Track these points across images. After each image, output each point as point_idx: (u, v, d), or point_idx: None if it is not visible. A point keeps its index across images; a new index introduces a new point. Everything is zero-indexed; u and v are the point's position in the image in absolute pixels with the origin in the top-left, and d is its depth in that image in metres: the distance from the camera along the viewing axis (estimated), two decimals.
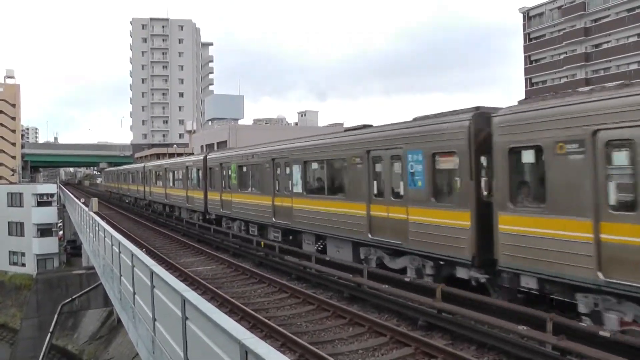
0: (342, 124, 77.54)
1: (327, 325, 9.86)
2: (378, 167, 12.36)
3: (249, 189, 19.74)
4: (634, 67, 53.31)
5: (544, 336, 7.28)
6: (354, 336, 9.14)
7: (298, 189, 15.66)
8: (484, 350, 7.98)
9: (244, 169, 20.33)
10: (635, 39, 54.23)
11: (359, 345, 8.64)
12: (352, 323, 9.78)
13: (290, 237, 16.70)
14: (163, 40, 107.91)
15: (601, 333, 6.98)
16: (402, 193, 11.42)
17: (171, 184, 31.36)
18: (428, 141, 10.60)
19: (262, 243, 17.20)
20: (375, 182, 12.44)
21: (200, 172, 25.09)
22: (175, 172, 30.37)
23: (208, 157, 24.48)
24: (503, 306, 8.76)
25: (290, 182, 16.13)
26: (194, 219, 26.26)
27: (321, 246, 14.94)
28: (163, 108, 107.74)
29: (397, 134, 11.56)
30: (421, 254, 10.85)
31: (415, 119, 11.60)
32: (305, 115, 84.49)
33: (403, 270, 11.60)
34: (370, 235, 12.27)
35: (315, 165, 15.59)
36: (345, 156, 13.30)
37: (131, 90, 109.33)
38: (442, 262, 10.50)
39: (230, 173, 21.32)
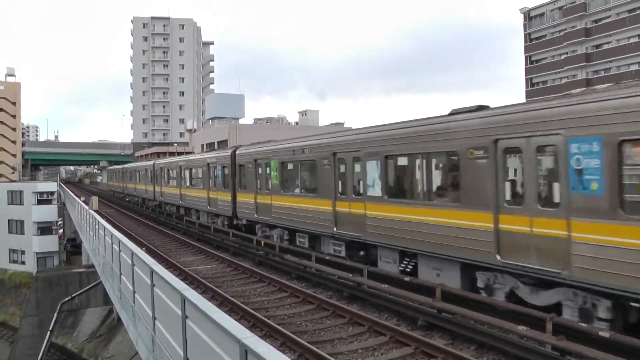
0: (342, 124, 77.61)
1: (327, 325, 9.87)
2: (512, 163, 9.30)
3: (297, 191, 16.63)
4: (635, 67, 53.32)
5: (543, 336, 7.28)
6: (353, 336, 9.14)
7: (375, 191, 12.46)
8: (484, 350, 7.98)
9: (289, 166, 17.09)
10: (635, 39, 54.21)
11: (358, 345, 8.64)
12: (352, 322, 9.78)
13: (361, 253, 13.61)
14: (164, 39, 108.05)
15: (601, 333, 6.98)
16: (557, 199, 8.25)
17: (187, 184, 28.17)
18: (611, 122, 7.33)
19: (262, 242, 17.18)
20: (507, 184, 9.30)
21: (227, 170, 21.88)
22: (193, 170, 27.18)
23: (237, 152, 21.16)
24: (503, 306, 8.77)
25: (362, 182, 13.05)
26: (217, 224, 23.41)
27: (409, 266, 11.69)
28: (163, 107, 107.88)
29: (550, 114, 8.31)
30: (593, 289, 7.69)
31: (567, 95, 8.51)
32: (305, 114, 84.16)
33: (554, 308, 8.37)
34: (499, 257, 8.99)
35: (403, 161, 12.23)
36: (455, 148, 10.11)
37: (132, 88, 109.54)
38: (632, 304, 7.41)
39: (269, 171, 18.01)
